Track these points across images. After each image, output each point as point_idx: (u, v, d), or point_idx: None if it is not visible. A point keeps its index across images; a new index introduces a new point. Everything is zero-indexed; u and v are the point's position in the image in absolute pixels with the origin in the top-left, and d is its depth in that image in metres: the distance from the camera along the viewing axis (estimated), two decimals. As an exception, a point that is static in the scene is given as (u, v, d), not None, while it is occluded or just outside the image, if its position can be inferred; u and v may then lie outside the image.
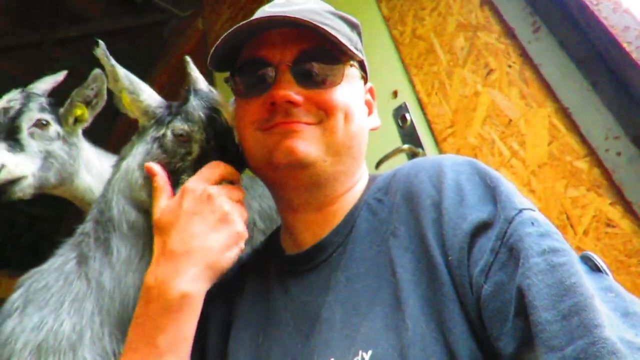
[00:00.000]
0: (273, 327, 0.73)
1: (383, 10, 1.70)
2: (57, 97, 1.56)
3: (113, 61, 0.90)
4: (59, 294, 0.85)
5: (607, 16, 1.02)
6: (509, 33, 1.27)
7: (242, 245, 0.76)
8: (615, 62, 1.03)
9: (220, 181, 0.79)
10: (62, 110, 1.50)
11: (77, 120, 1.51)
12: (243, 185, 0.86)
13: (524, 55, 1.22)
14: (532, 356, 0.48)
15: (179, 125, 0.87)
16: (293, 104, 0.72)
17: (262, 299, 0.79)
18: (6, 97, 1.44)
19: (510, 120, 1.22)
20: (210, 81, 1.17)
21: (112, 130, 3.27)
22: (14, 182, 1.33)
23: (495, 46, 1.31)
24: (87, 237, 0.91)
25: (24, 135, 1.39)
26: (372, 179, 0.83)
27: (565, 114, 1.10)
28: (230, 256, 0.73)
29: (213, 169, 0.79)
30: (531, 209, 0.58)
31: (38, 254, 1.20)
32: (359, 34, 0.86)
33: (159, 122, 0.91)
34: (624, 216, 0.96)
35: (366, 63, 0.86)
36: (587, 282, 0.49)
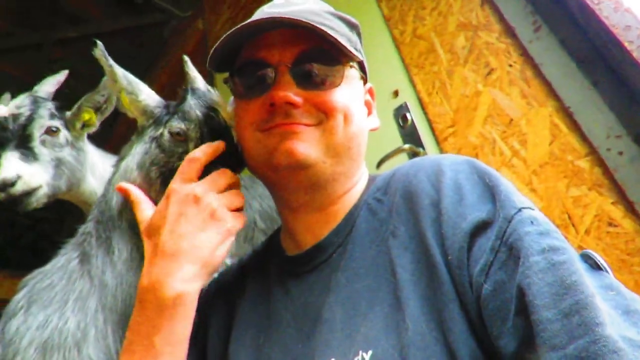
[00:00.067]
0: (274, 328, 0.73)
1: (383, 10, 1.70)
2: (57, 97, 1.56)
3: (111, 61, 0.90)
4: (63, 293, 0.85)
5: (608, 15, 1.02)
6: (510, 32, 1.27)
7: (232, 239, 0.75)
8: (616, 61, 1.03)
9: (207, 168, 0.77)
10: (69, 114, 1.50)
11: (84, 125, 1.51)
12: (243, 186, 0.86)
13: (525, 54, 1.22)
14: (533, 355, 0.48)
15: (176, 124, 0.87)
16: (292, 105, 0.71)
17: (263, 300, 0.79)
18: (14, 103, 1.42)
19: (512, 120, 1.22)
20: (210, 81, 1.17)
21: (113, 131, 3.27)
22: (30, 193, 1.32)
23: (496, 45, 1.30)
24: (89, 236, 0.91)
25: (36, 143, 1.38)
26: (371, 179, 0.83)
27: (566, 113, 1.10)
28: (221, 253, 0.73)
29: (191, 162, 0.77)
30: (530, 208, 0.58)
31: (39, 254, 1.20)
32: (359, 35, 0.86)
33: (157, 121, 0.91)
34: (626, 215, 0.96)
35: (366, 63, 0.86)
36: (588, 281, 0.49)
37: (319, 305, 0.69)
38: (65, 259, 0.90)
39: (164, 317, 0.68)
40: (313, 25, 0.69)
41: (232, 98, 0.86)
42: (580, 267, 0.51)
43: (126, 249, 0.87)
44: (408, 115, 1.48)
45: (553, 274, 0.49)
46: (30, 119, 1.39)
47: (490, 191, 0.61)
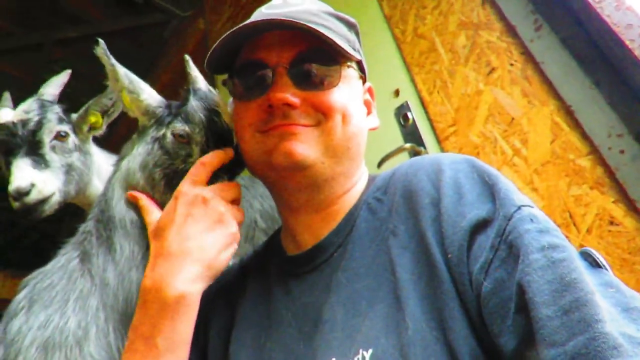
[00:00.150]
0: (274, 328, 0.73)
1: (384, 9, 1.70)
2: (59, 98, 1.55)
3: (113, 60, 0.90)
4: (64, 292, 0.86)
5: (609, 14, 1.01)
6: (511, 31, 1.27)
7: (236, 246, 0.76)
8: (618, 60, 1.03)
9: (216, 175, 0.80)
10: (75, 117, 1.49)
11: (91, 128, 1.50)
12: (243, 185, 0.86)
13: (526, 53, 1.22)
14: (532, 352, 0.48)
15: (179, 126, 0.87)
16: (290, 106, 0.71)
17: (264, 300, 0.79)
18: (22, 108, 1.40)
19: (513, 119, 1.22)
20: (211, 81, 1.17)
21: (114, 131, 3.26)
22: (44, 201, 1.31)
23: (497, 44, 1.30)
24: (89, 235, 0.91)
25: (47, 149, 1.37)
26: (371, 179, 0.83)
27: (567, 112, 1.10)
28: (226, 256, 0.74)
29: (202, 166, 0.79)
30: (530, 206, 0.58)
31: (39, 254, 1.20)
32: (357, 34, 0.86)
33: (159, 122, 0.91)
34: (627, 214, 0.96)
35: (364, 63, 0.86)
36: (588, 278, 0.49)
37: (320, 305, 0.69)
38: (66, 258, 0.91)
39: (166, 318, 0.68)
40: (307, 27, 0.69)
41: (231, 99, 0.86)
42: (580, 264, 0.51)
43: (128, 247, 0.87)
44: (409, 114, 1.48)
45: (553, 272, 0.49)
46: (40, 124, 1.37)
47: (490, 190, 0.61)
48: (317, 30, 0.70)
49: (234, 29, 0.73)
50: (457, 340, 0.53)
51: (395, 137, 1.50)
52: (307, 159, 0.71)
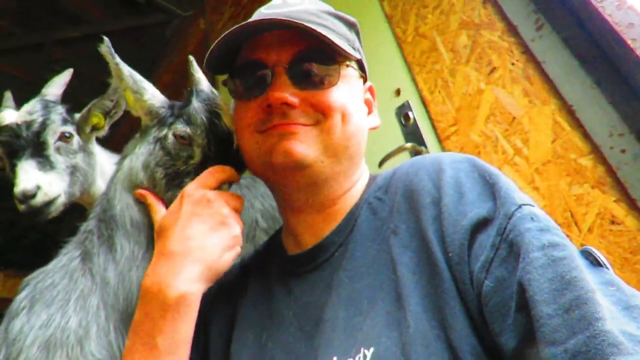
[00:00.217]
0: (276, 328, 0.73)
1: (385, 9, 1.70)
2: (61, 97, 1.55)
3: (118, 59, 0.90)
4: (65, 291, 0.86)
5: (611, 13, 1.01)
6: (512, 31, 1.27)
7: (239, 249, 0.76)
8: (619, 59, 1.03)
9: (219, 185, 0.80)
10: (78, 117, 1.48)
11: (93, 129, 1.50)
12: (244, 185, 0.86)
13: (527, 52, 1.22)
14: (533, 351, 0.48)
15: (181, 127, 0.87)
16: (289, 105, 0.71)
17: (265, 300, 0.79)
18: (26, 109, 1.40)
19: (514, 118, 1.22)
20: (212, 81, 1.17)
21: (116, 130, 3.26)
22: (49, 203, 1.30)
23: (498, 44, 1.30)
24: (90, 234, 0.91)
25: (51, 151, 1.36)
26: (372, 178, 0.83)
27: (569, 111, 1.10)
28: (228, 258, 0.74)
29: (211, 174, 0.80)
30: (530, 205, 0.58)
31: (39, 254, 1.20)
32: (357, 33, 0.86)
33: (161, 122, 0.91)
34: (629, 213, 0.96)
35: (365, 62, 0.86)
36: (588, 276, 0.49)
37: (321, 304, 0.69)
38: (67, 257, 0.91)
39: (166, 318, 0.68)
40: (305, 26, 0.70)
41: (233, 101, 0.87)
42: (581, 263, 0.51)
43: (129, 246, 0.87)
44: (410, 113, 1.48)
45: (553, 270, 0.49)
46: (44, 126, 1.37)
47: (491, 189, 0.62)
48: (315, 30, 0.70)
49: (233, 28, 0.73)
50: (458, 338, 0.54)
51: (396, 137, 1.50)
52: (307, 158, 0.71)
